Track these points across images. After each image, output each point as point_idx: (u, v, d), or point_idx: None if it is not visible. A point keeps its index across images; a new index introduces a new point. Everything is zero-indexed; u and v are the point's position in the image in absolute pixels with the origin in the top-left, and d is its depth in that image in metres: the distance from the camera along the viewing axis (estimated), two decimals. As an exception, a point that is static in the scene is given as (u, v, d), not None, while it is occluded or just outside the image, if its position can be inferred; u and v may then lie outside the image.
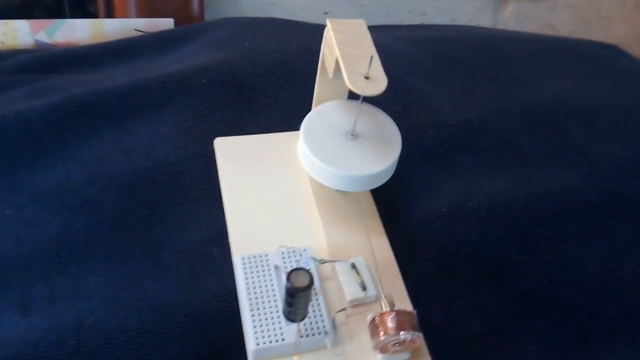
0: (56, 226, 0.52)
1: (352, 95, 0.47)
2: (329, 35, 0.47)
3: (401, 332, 0.41)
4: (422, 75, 0.72)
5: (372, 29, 0.48)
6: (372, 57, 0.44)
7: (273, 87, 0.66)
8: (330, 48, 0.47)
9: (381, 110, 0.51)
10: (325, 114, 0.50)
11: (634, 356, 0.52)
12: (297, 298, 0.40)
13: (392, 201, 0.57)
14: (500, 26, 1.22)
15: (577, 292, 0.54)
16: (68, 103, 0.61)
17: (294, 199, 0.53)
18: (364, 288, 0.46)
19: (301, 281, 0.39)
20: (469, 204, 0.57)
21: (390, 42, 0.80)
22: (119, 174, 0.56)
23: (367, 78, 0.44)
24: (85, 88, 0.64)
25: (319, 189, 0.52)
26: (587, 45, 0.88)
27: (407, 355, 0.43)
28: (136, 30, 0.83)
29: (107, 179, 0.56)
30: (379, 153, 0.48)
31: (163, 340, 0.46)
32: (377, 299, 0.46)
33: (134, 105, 0.62)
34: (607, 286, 0.55)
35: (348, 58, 0.45)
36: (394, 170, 0.49)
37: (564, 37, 0.93)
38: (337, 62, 0.46)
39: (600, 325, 0.53)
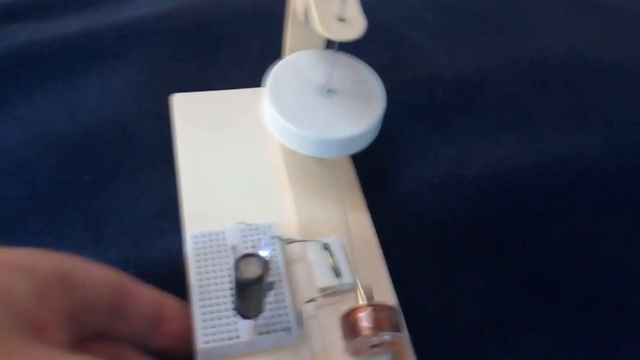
0: (-18, 195, 0.46)
1: (331, 45, 0.41)
2: (298, -32, 0.40)
3: (380, 333, 0.34)
4: (417, 25, 0.66)
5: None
6: (347, -7, 0.36)
7: (244, 36, 0.60)
8: (301, -16, 0.40)
9: (362, 62, 0.45)
10: (296, 65, 0.44)
11: (659, 353, 0.45)
12: (247, 291, 0.32)
13: (376, 170, 0.51)
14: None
15: (593, 278, 0.48)
16: (9, 54, 0.55)
17: (261, 166, 0.47)
18: (337, 274, 0.40)
19: (252, 271, 0.31)
20: (466, 172, 0.51)
21: (385, -11, 0.72)
22: (59, 134, 0.50)
23: (341, 20, 0.37)
24: (31, 36, 0.57)
25: (291, 156, 0.46)
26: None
27: (387, 358, 0.36)
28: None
29: (45, 140, 0.50)
30: (358, 112, 0.42)
31: None
32: (354, 287, 0.39)
33: (84, 56, 0.56)
34: (628, 271, 0.49)
35: (319, -5, 0.38)
36: (377, 132, 0.43)
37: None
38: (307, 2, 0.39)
39: (619, 317, 0.47)
